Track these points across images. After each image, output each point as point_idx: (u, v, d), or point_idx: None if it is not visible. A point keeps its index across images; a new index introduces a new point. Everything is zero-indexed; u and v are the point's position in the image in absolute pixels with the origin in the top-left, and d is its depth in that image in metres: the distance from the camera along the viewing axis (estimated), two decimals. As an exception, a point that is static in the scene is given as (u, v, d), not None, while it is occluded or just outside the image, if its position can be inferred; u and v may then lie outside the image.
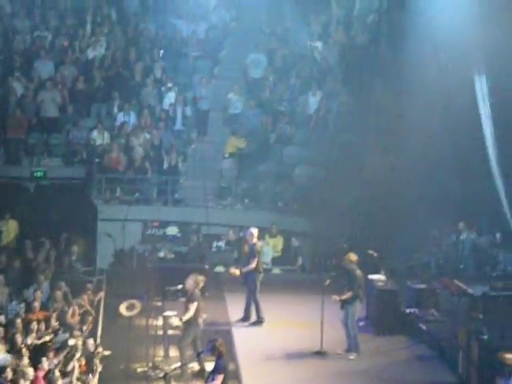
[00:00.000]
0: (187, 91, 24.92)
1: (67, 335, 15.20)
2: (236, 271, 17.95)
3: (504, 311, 16.04)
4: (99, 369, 14.41)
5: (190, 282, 15.53)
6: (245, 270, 17.73)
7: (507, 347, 13.93)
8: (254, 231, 18.07)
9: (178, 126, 24.43)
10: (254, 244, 17.92)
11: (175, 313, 16.12)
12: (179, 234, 22.41)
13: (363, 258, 19.03)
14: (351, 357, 16.02)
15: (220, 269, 21.13)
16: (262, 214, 22.47)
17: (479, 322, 15.28)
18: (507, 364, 13.43)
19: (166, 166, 23.24)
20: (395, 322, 17.35)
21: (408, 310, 17.76)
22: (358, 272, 16.45)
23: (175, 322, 15.31)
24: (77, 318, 16.29)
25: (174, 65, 25.46)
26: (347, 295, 16.15)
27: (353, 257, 16.84)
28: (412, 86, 20.24)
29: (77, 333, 15.46)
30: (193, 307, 15.19)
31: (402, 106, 20.60)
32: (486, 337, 14.45)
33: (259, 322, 17.75)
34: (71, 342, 14.86)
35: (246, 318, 17.80)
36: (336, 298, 16.16)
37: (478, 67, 19.91)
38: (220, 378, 12.24)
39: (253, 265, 17.65)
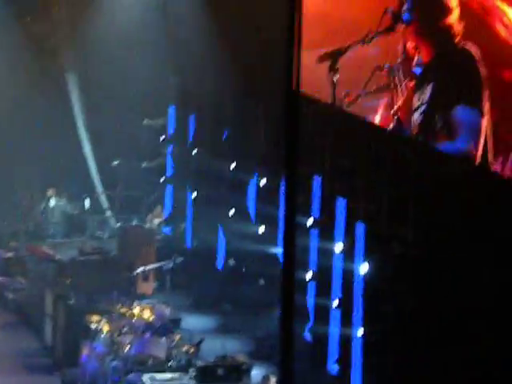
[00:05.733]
0: None
1: None
2: None
3: (91, 275, 16.18)
4: None
5: None
6: None
7: (93, 310, 14.07)
8: None
9: None
10: None
11: None
12: None
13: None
14: None
15: None
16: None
17: (66, 287, 15.27)
18: (92, 326, 13.53)
19: None
20: None
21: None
22: None
23: None
24: None
25: None
26: None
27: None
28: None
29: None
30: None
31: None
32: (72, 301, 14.56)
33: None
34: None
35: None
36: None
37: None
38: None
39: None
